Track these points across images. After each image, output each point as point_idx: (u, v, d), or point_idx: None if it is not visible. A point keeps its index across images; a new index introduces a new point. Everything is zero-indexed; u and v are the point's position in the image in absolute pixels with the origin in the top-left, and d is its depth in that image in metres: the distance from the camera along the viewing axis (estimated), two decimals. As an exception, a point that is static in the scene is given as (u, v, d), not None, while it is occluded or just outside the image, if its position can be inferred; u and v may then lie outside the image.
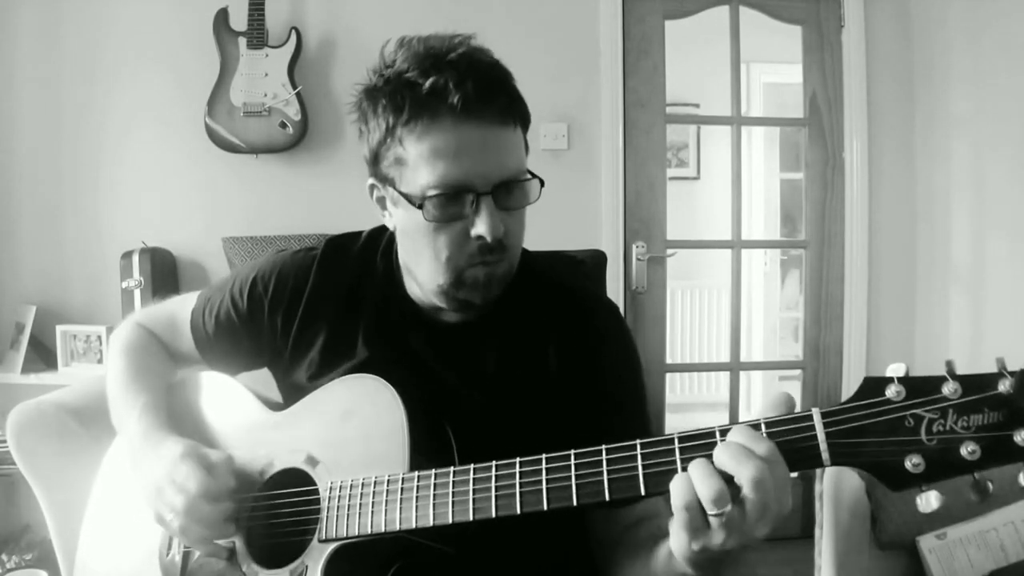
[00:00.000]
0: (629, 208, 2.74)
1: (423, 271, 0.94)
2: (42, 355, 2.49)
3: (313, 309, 1.03)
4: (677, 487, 0.65)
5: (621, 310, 1.33)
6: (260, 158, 2.54)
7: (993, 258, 2.44)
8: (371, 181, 0.96)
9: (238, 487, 0.91)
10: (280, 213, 2.59)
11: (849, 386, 2.81)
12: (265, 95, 2.47)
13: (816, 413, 0.64)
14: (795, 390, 3.08)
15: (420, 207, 0.87)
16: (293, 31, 2.52)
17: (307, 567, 0.85)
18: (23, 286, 2.57)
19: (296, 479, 0.91)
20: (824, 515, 1.41)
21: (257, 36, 2.47)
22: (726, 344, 2.99)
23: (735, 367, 2.93)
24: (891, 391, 0.63)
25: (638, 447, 0.70)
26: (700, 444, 0.67)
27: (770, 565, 2.37)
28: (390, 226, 0.99)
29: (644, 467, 0.69)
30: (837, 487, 1.41)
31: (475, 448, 0.80)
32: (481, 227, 0.87)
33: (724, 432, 0.67)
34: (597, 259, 1.56)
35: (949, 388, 0.61)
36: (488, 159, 0.87)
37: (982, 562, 1.36)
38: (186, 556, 0.96)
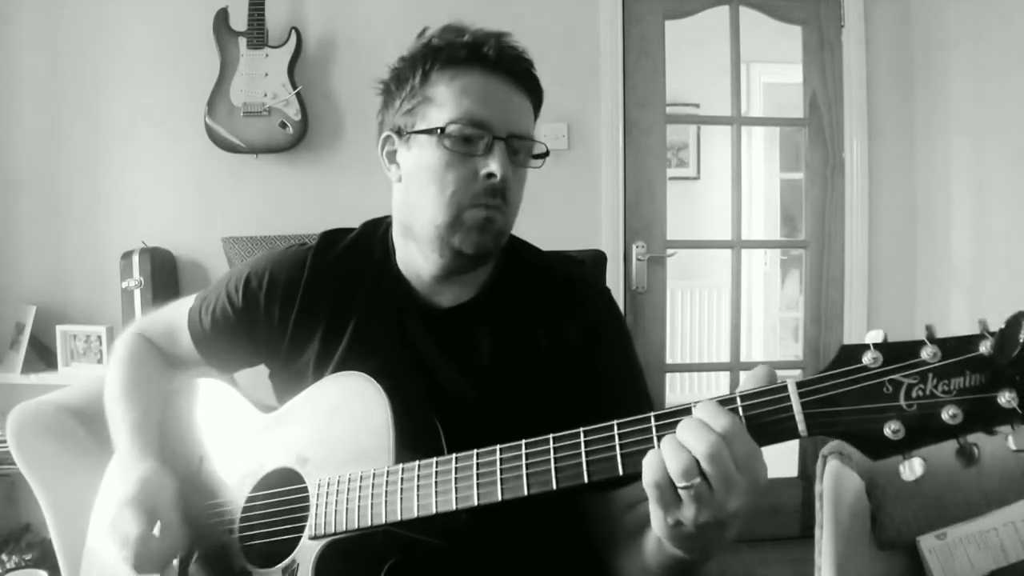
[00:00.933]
0: (629, 208, 2.74)
1: (424, 214, 0.96)
2: (42, 355, 2.49)
3: (310, 300, 1.04)
4: (649, 463, 0.65)
5: (621, 311, 1.32)
6: (260, 158, 2.54)
7: (993, 258, 2.44)
8: (386, 133, 1.00)
9: (181, 541, 0.93)
10: (280, 213, 2.59)
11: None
12: (265, 95, 2.47)
13: (791, 383, 0.63)
14: (795, 390, 3.08)
15: (440, 133, 0.93)
16: (293, 31, 2.52)
17: (298, 565, 0.85)
18: (23, 286, 2.57)
19: (288, 478, 0.91)
20: (824, 515, 1.41)
21: (257, 36, 2.47)
22: (726, 344, 2.99)
23: (735, 367, 2.92)
24: (868, 358, 0.61)
25: (615, 427, 0.69)
26: (676, 421, 0.66)
27: (770, 565, 2.37)
28: (394, 179, 1.01)
29: (621, 447, 0.68)
30: (837, 487, 1.41)
31: (467, 439, 0.80)
32: (493, 165, 0.92)
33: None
34: (597, 259, 1.56)
35: (928, 352, 0.59)
36: (508, 111, 0.95)
37: (982, 562, 1.36)
38: (183, 563, 0.96)
